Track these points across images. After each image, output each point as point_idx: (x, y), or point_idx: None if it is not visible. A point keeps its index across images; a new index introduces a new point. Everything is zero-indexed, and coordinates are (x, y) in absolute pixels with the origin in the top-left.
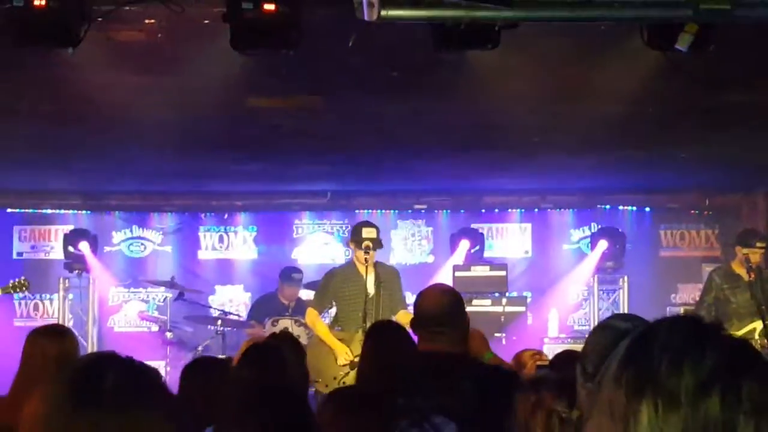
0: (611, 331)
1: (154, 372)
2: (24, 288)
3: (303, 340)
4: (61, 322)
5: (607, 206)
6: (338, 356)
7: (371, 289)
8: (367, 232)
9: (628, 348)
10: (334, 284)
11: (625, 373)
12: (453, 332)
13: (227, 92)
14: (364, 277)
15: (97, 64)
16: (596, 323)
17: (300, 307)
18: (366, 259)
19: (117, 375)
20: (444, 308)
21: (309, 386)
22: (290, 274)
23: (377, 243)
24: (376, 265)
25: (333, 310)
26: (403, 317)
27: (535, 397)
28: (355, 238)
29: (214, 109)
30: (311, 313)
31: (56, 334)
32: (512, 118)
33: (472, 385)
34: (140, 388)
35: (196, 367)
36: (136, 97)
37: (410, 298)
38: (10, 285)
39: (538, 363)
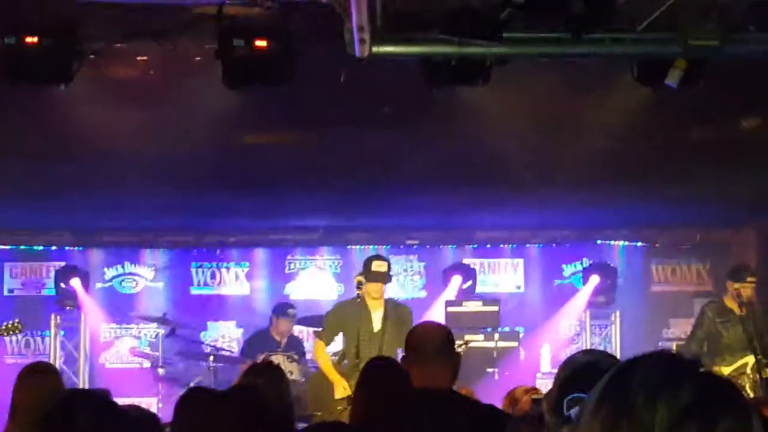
0: (570, 365)
1: (141, 417)
2: (17, 331)
3: (295, 376)
4: (52, 359)
5: (599, 241)
6: (335, 390)
7: (377, 325)
8: (376, 265)
9: (607, 383)
10: (339, 317)
11: (602, 408)
12: (446, 367)
13: (219, 128)
14: (371, 312)
15: (89, 100)
16: None
17: (292, 343)
18: (358, 294)
19: (89, 415)
20: (438, 341)
21: (297, 418)
22: (285, 309)
23: (385, 277)
24: (387, 301)
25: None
26: None
27: None
28: (365, 271)
29: (207, 146)
30: (317, 345)
31: (41, 372)
32: (504, 153)
33: (466, 422)
34: (114, 429)
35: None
36: (128, 133)
37: None
38: (3, 328)
39: (534, 397)
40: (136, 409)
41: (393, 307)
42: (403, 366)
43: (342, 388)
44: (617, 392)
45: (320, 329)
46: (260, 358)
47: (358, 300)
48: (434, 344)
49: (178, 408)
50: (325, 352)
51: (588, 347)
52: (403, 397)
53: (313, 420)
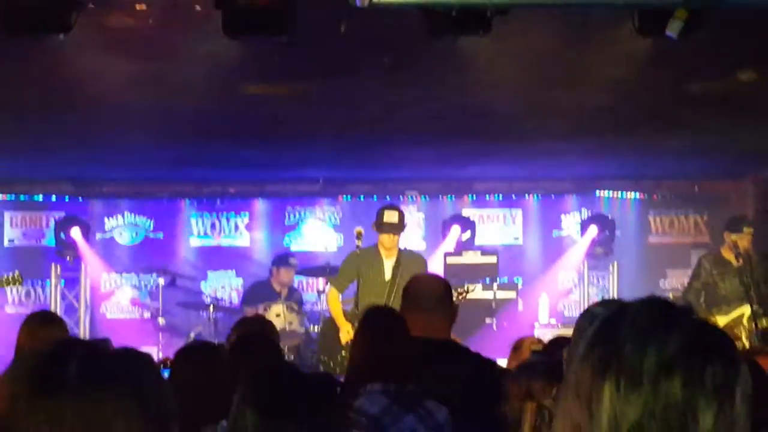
0: (593, 318)
1: (139, 360)
2: (17, 282)
3: (295, 327)
4: (53, 309)
5: (598, 192)
6: (341, 334)
7: (388, 274)
8: (388, 215)
9: (597, 328)
10: (352, 265)
11: (593, 353)
12: (444, 317)
13: (219, 79)
14: (383, 261)
15: (88, 50)
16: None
17: (292, 294)
18: (357, 246)
19: (81, 362)
20: (436, 291)
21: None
22: (287, 259)
23: (397, 228)
24: (401, 252)
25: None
26: None
27: (526, 387)
28: (377, 221)
29: (207, 96)
30: (330, 292)
31: (47, 321)
32: (504, 104)
33: (463, 371)
34: (107, 377)
35: (189, 353)
36: (128, 83)
37: None
38: (3, 279)
39: (533, 348)
40: (129, 350)
41: (407, 257)
42: (402, 314)
43: (346, 333)
44: (607, 338)
45: (334, 277)
46: (261, 308)
47: (375, 248)
48: (432, 294)
49: (175, 362)
50: (336, 299)
51: (586, 298)
52: (400, 344)
53: (320, 365)
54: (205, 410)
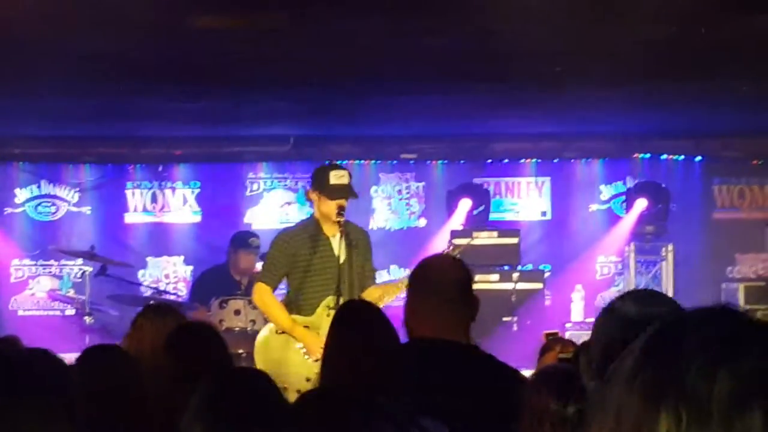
0: (618, 318)
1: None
2: None
3: (259, 326)
4: None
5: (647, 155)
6: (309, 349)
7: (341, 255)
8: (336, 176)
9: (648, 342)
10: (287, 250)
11: (642, 374)
12: (464, 314)
13: (162, 9)
14: (329, 238)
15: None
16: None
17: None
18: (338, 219)
19: None
20: (458, 280)
21: None
22: (246, 239)
23: (349, 191)
24: (343, 223)
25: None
26: (374, 293)
27: (542, 403)
28: (319, 185)
29: (145, 31)
30: (261, 290)
31: None
32: (528, 41)
33: (478, 382)
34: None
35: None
36: (43, 15)
37: (396, 272)
38: None
39: (560, 356)
40: (41, 355)
41: (354, 230)
42: (408, 311)
43: (317, 344)
44: (662, 356)
45: (260, 269)
46: (215, 303)
47: (313, 223)
48: (451, 283)
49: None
50: (275, 299)
51: (632, 289)
52: (387, 349)
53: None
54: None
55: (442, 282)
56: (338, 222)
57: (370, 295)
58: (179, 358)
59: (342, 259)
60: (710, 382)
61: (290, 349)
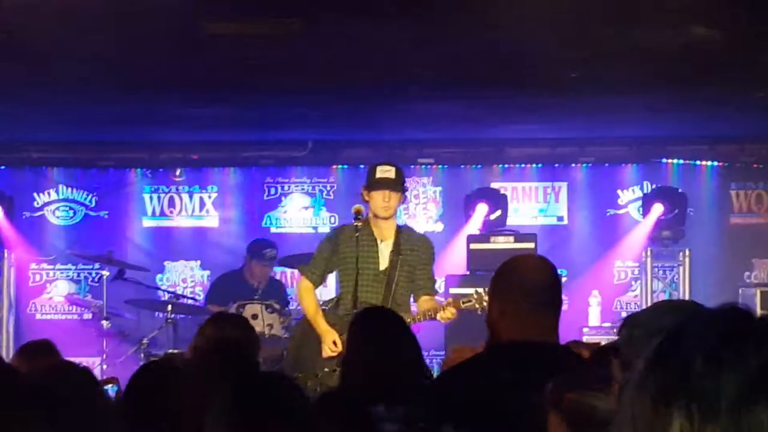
0: (675, 315)
1: (65, 380)
2: None
3: (276, 330)
4: None
5: (664, 160)
6: (323, 345)
7: (384, 261)
8: (382, 171)
9: (658, 345)
10: (334, 248)
11: (652, 375)
12: (556, 315)
13: (179, 14)
14: (377, 242)
15: None
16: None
17: (273, 288)
18: (385, 213)
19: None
20: (550, 280)
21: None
22: (261, 250)
23: (395, 184)
24: (400, 230)
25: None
26: (424, 304)
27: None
28: (367, 182)
29: (162, 37)
30: (302, 286)
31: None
32: (543, 45)
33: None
34: (14, 402)
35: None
36: (61, 19)
37: None
38: None
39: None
40: (57, 368)
41: (408, 238)
42: (496, 315)
43: (331, 344)
44: (670, 357)
45: (307, 265)
46: (232, 307)
47: (361, 225)
48: (545, 284)
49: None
50: (312, 296)
51: (649, 295)
52: (406, 356)
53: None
54: None
55: (535, 287)
56: (384, 217)
57: (423, 306)
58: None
59: (383, 266)
60: (717, 378)
61: (313, 341)
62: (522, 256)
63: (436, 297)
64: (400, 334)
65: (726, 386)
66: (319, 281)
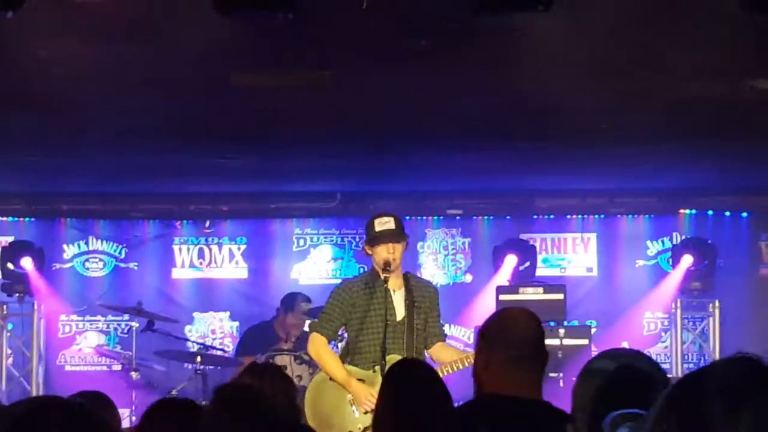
0: (598, 377)
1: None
2: None
3: (305, 382)
4: None
5: (693, 211)
6: (357, 403)
7: (400, 310)
8: (380, 223)
9: (672, 391)
10: (347, 299)
11: (669, 418)
12: (539, 370)
13: (209, 67)
14: (392, 292)
15: (44, 32)
16: (679, 359)
17: (303, 340)
18: (385, 273)
19: (62, 423)
20: (534, 336)
21: None
22: (299, 301)
23: (396, 235)
24: (408, 277)
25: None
26: (442, 352)
27: None
28: (368, 236)
29: (193, 89)
30: (316, 341)
31: None
32: (571, 98)
33: None
34: None
35: (161, 411)
36: (93, 73)
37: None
38: None
39: None
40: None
41: (417, 285)
42: (480, 364)
43: (366, 398)
44: (687, 402)
45: (317, 319)
46: (261, 358)
47: (372, 276)
48: (529, 337)
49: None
50: (330, 350)
51: (679, 346)
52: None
53: None
54: None
55: (519, 338)
56: (385, 277)
57: (437, 353)
58: None
59: (400, 316)
60: (735, 425)
61: (341, 398)
62: (509, 309)
63: (448, 342)
64: (437, 388)
65: (746, 430)
66: (333, 336)
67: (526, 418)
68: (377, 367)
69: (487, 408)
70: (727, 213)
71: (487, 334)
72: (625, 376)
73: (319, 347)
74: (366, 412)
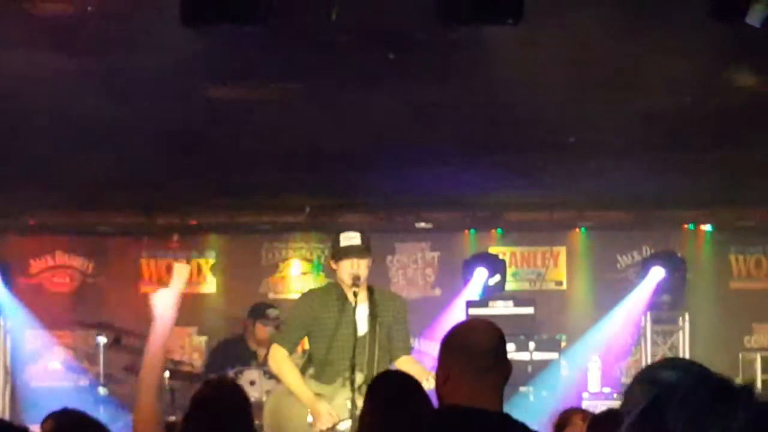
0: (657, 387)
1: None
2: None
3: None
4: None
5: (663, 225)
6: (317, 416)
7: (363, 325)
8: (345, 238)
9: (644, 407)
10: (309, 312)
11: None
12: (498, 382)
13: (177, 81)
14: (354, 306)
15: (10, 44)
16: None
17: None
18: (353, 287)
19: None
20: (495, 345)
21: None
22: (264, 310)
23: (361, 251)
24: (373, 290)
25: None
26: (408, 367)
27: None
28: (332, 251)
29: (160, 103)
30: (277, 354)
31: None
32: (540, 111)
33: None
34: None
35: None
36: (60, 86)
37: (411, 343)
38: None
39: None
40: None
41: (381, 298)
42: (440, 377)
43: (327, 415)
44: (655, 418)
45: (278, 331)
46: (231, 373)
47: (337, 289)
48: (489, 349)
49: None
50: (291, 363)
51: (648, 360)
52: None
53: None
54: None
55: (478, 350)
56: (353, 292)
57: (403, 367)
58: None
59: (363, 331)
60: None
61: (298, 414)
62: (469, 321)
63: (417, 356)
64: (422, 398)
65: None
66: (293, 348)
67: (485, 429)
68: (342, 380)
69: (445, 420)
70: (697, 226)
71: (447, 346)
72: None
73: (280, 361)
74: (324, 430)
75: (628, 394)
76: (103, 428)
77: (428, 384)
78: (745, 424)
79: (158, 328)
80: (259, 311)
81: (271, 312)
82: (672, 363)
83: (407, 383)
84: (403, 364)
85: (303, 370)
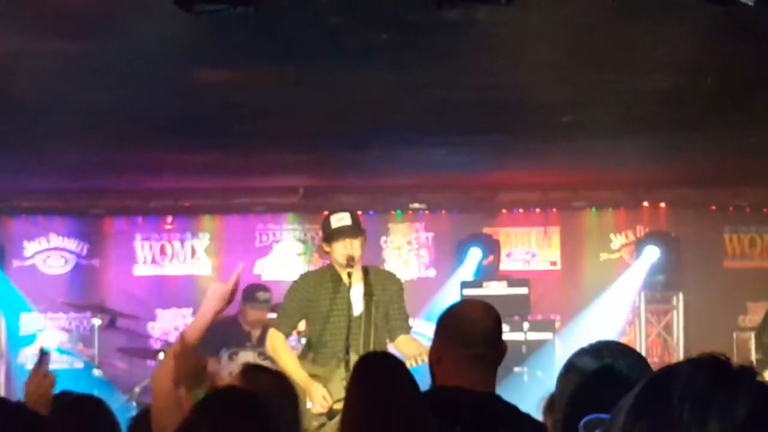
0: (576, 371)
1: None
2: None
3: None
4: None
5: (657, 204)
6: (312, 400)
7: (358, 305)
8: (336, 219)
9: (639, 395)
10: (304, 295)
11: (637, 426)
12: (493, 363)
13: (170, 62)
14: (348, 286)
15: (1, 26)
16: (643, 353)
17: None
18: (348, 268)
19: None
20: (489, 326)
21: None
22: (254, 293)
23: (353, 231)
24: (368, 270)
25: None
26: (406, 345)
27: None
28: (324, 234)
29: (153, 84)
30: (274, 337)
31: None
32: (535, 92)
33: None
34: None
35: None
36: (52, 68)
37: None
38: None
39: None
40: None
41: (377, 279)
42: (434, 357)
43: (321, 399)
44: (655, 407)
45: (275, 315)
46: (225, 355)
47: (331, 271)
48: (484, 330)
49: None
50: (287, 347)
51: (643, 340)
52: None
53: None
54: None
55: (472, 333)
56: (348, 272)
57: (401, 346)
58: None
59: (358, 311)
60: (702, 426)
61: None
62: (465, 302)
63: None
64: (406, 380)
65: None
66: (290, 332)
67: (474, 409)
68: (337, 361)
69: (435, 400)
70: (691, 206)
71: (442, 327)
72: (605, 378)
73: (277, 345)
74: (320, 413)
75: (557, 382)
76: (105, 408)
77: (422, 360)
78: (747, 411)
79: (204, 311)
80: (249, 294)
81: (261, 295)
82: (593, 350)
83: (392, 365)
84: (402, 342)
85: (304, 355)
